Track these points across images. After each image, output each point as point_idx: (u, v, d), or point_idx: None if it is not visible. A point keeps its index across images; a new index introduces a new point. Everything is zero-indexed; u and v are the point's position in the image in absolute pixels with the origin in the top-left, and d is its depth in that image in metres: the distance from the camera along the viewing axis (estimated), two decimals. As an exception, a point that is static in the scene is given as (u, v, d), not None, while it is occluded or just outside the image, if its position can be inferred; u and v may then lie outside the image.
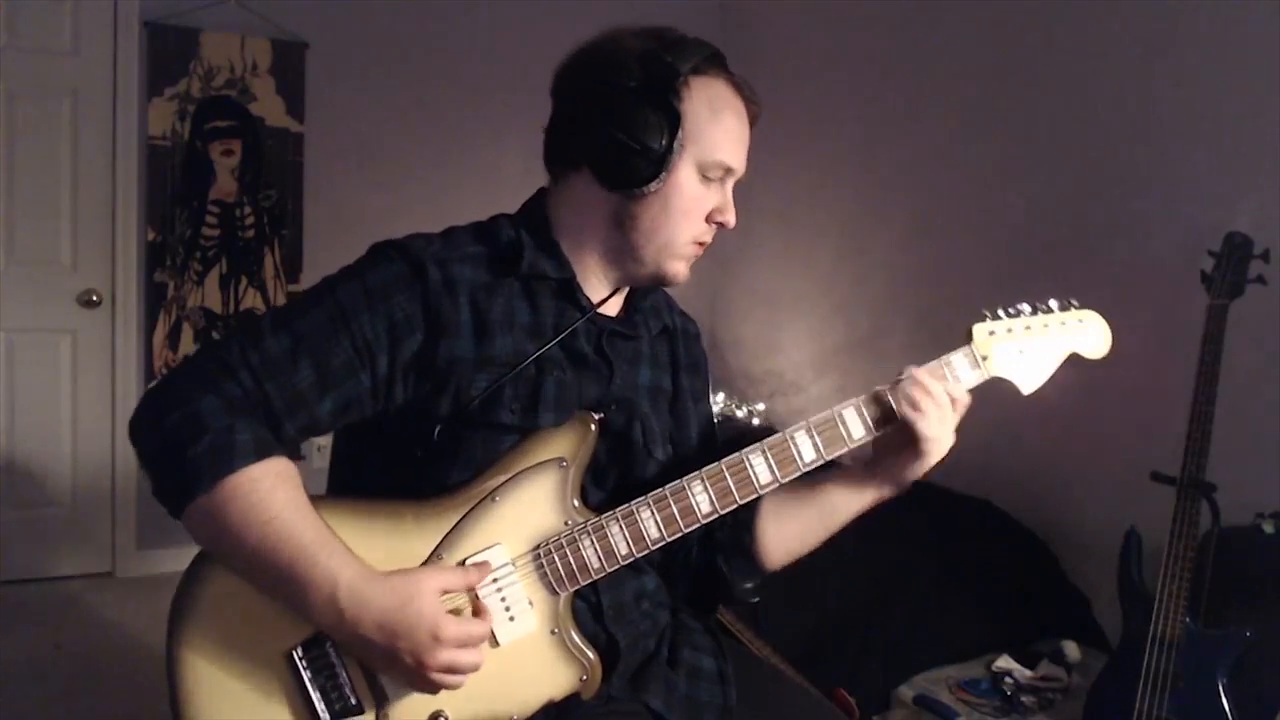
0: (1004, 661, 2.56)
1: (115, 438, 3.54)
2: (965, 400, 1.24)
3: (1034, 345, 1.25)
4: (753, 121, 1.25)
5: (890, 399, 1.21)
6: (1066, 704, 2.44)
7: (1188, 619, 2.03)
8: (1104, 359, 1.28)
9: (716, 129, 1.20)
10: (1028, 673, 2.53)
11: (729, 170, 1.23)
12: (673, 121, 1.17)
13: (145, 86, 3.51)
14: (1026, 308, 1.25)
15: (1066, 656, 2.59)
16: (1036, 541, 2.92)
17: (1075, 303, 1.28)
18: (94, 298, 3.54)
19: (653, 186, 1.18)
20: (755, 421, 3.90)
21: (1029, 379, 1.26)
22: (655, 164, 1.17)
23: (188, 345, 3.64)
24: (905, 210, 3.58)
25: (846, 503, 1.30)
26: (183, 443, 1.05)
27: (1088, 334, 1.27)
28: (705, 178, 1.21)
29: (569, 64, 1.24)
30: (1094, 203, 2.93)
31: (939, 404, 1.20)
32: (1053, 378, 1.28)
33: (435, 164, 3.89)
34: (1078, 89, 2.97)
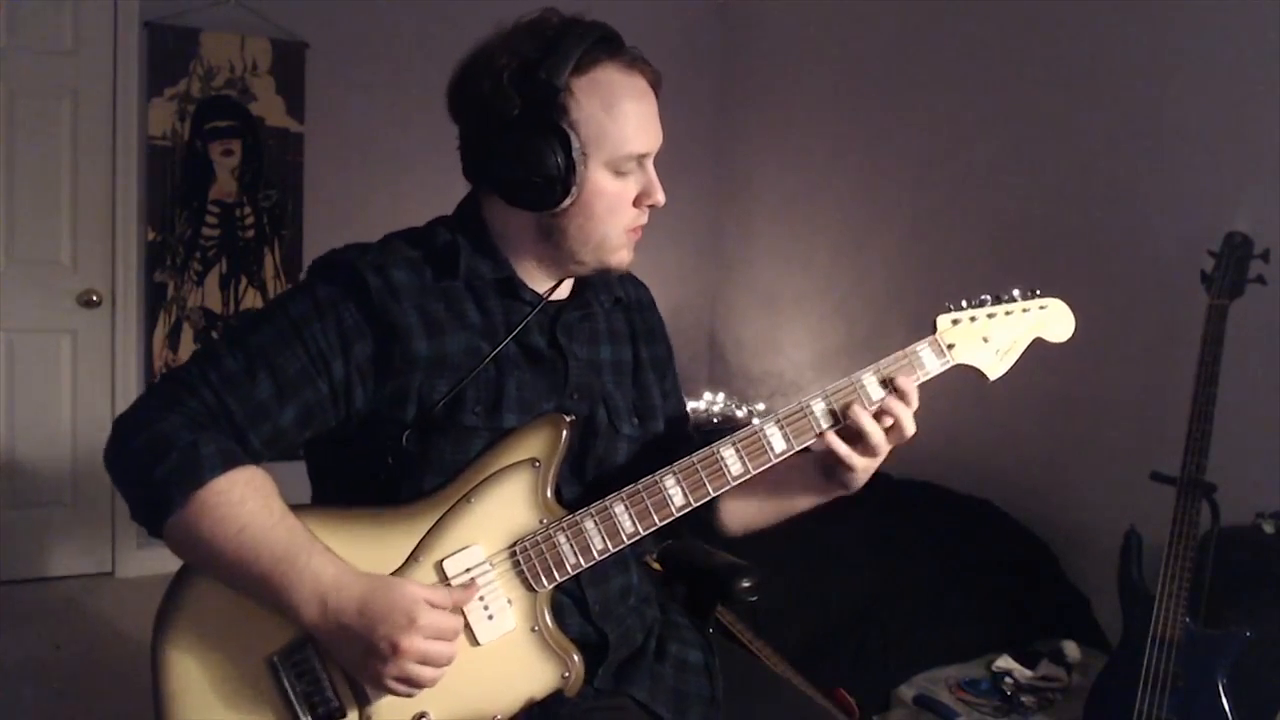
0: (1004, 661, 2.56)
1: (115, 438, 3.53)
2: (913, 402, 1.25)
3: (997, 332, 1.27)
4: (654, 87, 1.22)
5: (864, 392, 1.23)
6: (1066, 704, 2.44)
7: (1188, 619, 2.03)
8: (1069, 341, 1.32)
9: (617, 123, 1.17)
10: (1028, 673, 2.53)
11: (643, 156, 1.21)
12: (565, 141, 1.14)
13: (145, 86, 3.51)
14: (989, 298, 1.28)
15: (1066, 656, 2.59)
16: (1036, 541, 2.92)
17: (1038, 291, 1.30)
18: (94, 298, 3.54)
19: (566, 203, 1.18)
20: (755, 421, 3.90)
21: (994, 366, 1.28)
22: (562, 185, 1.16)
23: (188, 345, 3.63)
24: (905, 210, 3.58)
25: (804, 499, 1.33)
26: (150, 463, 1.07)
27: (1051, 320, 1.30)
28: (620, 173, 1.19)
29: (454, 85, 1.22)
30: (1094, 203, 2.93)
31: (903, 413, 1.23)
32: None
33: (435, 164, 3.87)
34: (1078, 89, 2.97)
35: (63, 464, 3.55)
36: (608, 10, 1.25)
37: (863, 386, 1.23)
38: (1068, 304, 1.31)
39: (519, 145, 1.15)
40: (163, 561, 1.12)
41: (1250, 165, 2.51)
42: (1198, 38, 2.65)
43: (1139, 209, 2.79)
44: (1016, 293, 1.29)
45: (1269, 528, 2.27)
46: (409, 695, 1.10)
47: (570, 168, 1.15)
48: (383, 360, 1.16)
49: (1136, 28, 2.80)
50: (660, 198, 1.23)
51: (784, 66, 4.17)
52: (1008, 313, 1.28)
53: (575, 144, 1.15)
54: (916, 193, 3.53)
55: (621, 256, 1.24)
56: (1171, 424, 2.25)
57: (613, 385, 1.31)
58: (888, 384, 1.23)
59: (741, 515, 1.37)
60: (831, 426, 1.22)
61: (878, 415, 1.22)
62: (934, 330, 1.26)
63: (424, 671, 1.08)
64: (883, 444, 1.22)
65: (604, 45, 1.18)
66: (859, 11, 3.76)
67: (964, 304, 1.27)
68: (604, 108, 1.16)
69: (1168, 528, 2.08)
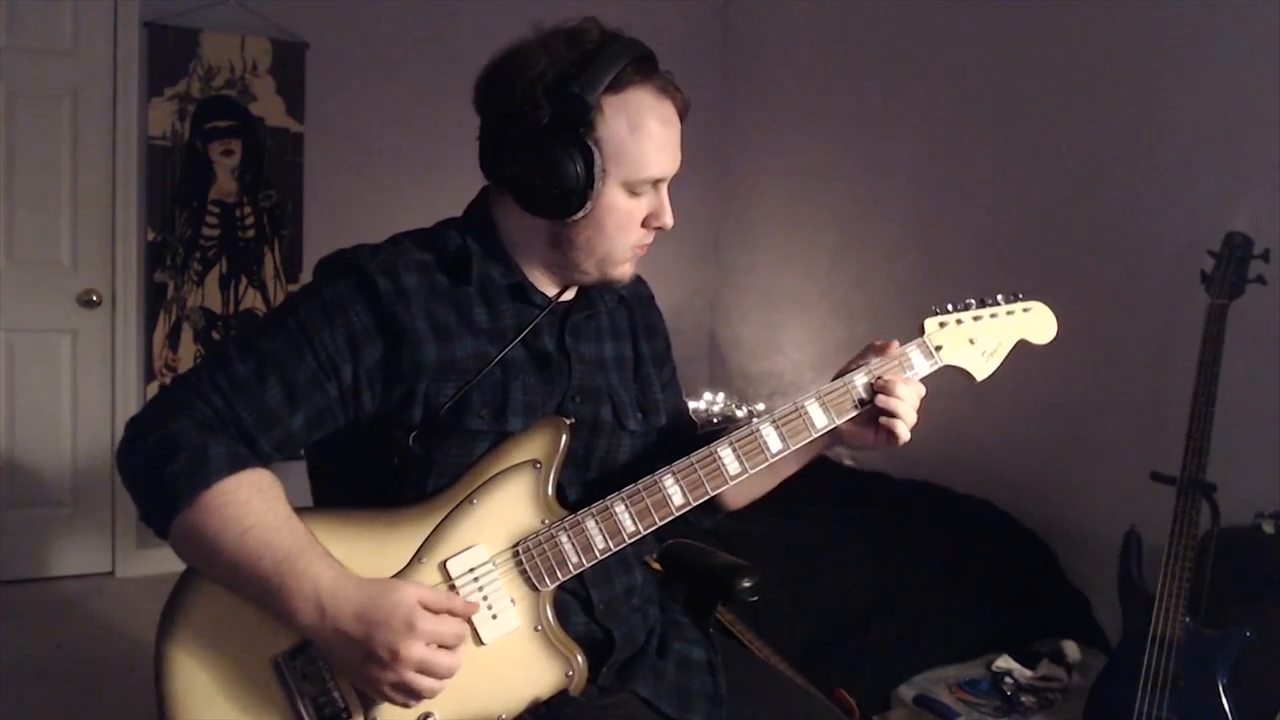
0: (1004, 661, 2.56)
1: (115, 438, 3.52)
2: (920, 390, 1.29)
3: (983, 335, 1.32)
4: (682, 114, 1.23)
5: (856, 393, 1.26)
6: (1066, 704, 2.44)
7: (1188, 619, 2.03)
8: (1050, 343, 1.36)
9: (639, 145, 1.18)
10: (1028, 673, 2.53)
11: (658, 180, 1.22)
12: (587, 156, 1.15)
13: (145, 86, 3.51)
14: (973, 301, 1.32)
15: (1066, 656, 2.60)
16: (1036, 541, 2.92)
17: (1021, 295, 1.34)
18: (94, 298, 3.54)
19: (579, 215, 1.19)
20: (753, 420, 3.90)
21: (981, 367, 1.32)
22: (578, 198, 1.17)
23: (188, 345, 3.63)
24: (905, 210, 3.58)
25: (799, 458, 1.34)
26: (159, 464, 1.08)
27: (1034, 322, 1.34)
28: (634, 193, 1.21)
29: (485, 80, 1.22)
30: (1094, 202, 2.93)
31: (908, 398, 1.26)
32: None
33: (435, 164, 3.89)
34: (1078, 89, 2.97)
35: (63, 464, 3.55)
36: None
37: (855, 387, 1.27)
38: (1050, 306, 1.34)
39: (542, 153, 1.15)
40: (163, 561, 1.13)
41: (1250, 165, 2.51)
42: (1197, 38, 2.65)
43: (1139, 209, 2.79)
44: (1000, 296, 1.33)
45: (1269, 528, 2.27)
46: (405, 705, 1.10)
47: (589, 183, 1.16)
48: (391, 364, 1.17)
49: (1136, 28, 2.80)
50: (668, 221, 1.24)
51: (784, 67, 4.17)
52: (993, 315, 1.32)
53: (597, 160, 1.16)
54: (916, 193, 3.53)
55: (624, 270, 1.26)
56: (1171, 424, 2.25)
57: (618, 382, 1.33)
58: (877, 384, 1.26)
59: (739, 497, 1.39)
60: (825, 427, 1.26)
61: (874, 412, 1.26)
62: (921, 333, 1.30)
63: (423, 681, 1.08)
64: (881, 440, 1.27)
65: (639, 66, 1.18)
66: (859, 12, 3.76)
67: (949, 307, 1.32)
68: (629, 129, 1.17)
69: (1168, 528, 2.09)
